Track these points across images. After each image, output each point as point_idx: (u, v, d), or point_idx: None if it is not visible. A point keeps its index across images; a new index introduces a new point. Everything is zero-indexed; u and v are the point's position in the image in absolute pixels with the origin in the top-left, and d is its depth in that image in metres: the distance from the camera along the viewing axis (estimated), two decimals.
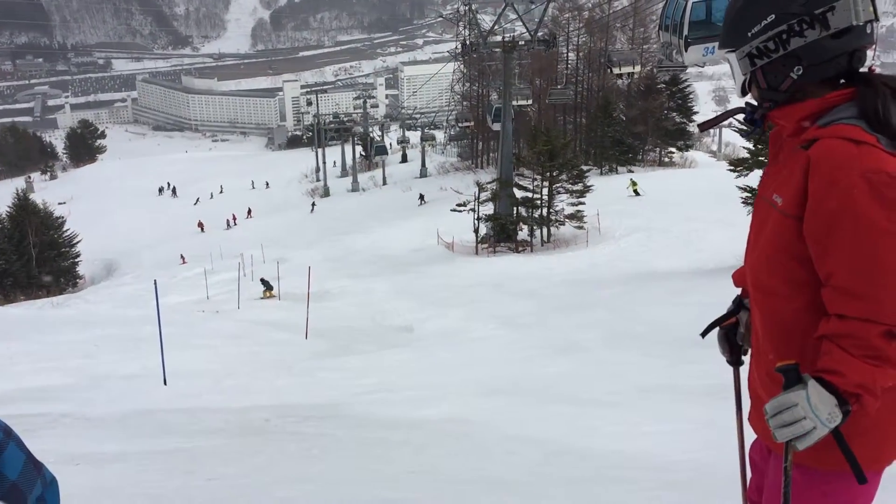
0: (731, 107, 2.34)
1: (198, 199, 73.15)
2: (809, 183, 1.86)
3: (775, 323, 2.04)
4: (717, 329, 2.47)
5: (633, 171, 47.59)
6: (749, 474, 2.44)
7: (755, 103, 2.13)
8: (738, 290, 2.48)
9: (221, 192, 77.08)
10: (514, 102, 44.76)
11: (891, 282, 1.77)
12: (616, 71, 37.07)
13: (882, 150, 1.82)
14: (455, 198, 36.69)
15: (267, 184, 79.57)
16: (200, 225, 58.57)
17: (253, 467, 5.14)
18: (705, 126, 2.46)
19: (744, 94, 2.13)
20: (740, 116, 2.22)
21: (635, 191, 36.41)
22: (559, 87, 52.30)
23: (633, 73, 38.77)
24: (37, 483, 1.21)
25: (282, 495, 4.29)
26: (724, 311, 2.46)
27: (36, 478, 1.21)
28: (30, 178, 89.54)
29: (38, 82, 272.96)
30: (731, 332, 2.43)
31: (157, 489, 4.34)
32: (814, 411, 1.78)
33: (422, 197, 52.30)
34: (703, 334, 2.48)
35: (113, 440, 6.21)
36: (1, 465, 1.15)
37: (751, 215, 2.26)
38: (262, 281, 25.40)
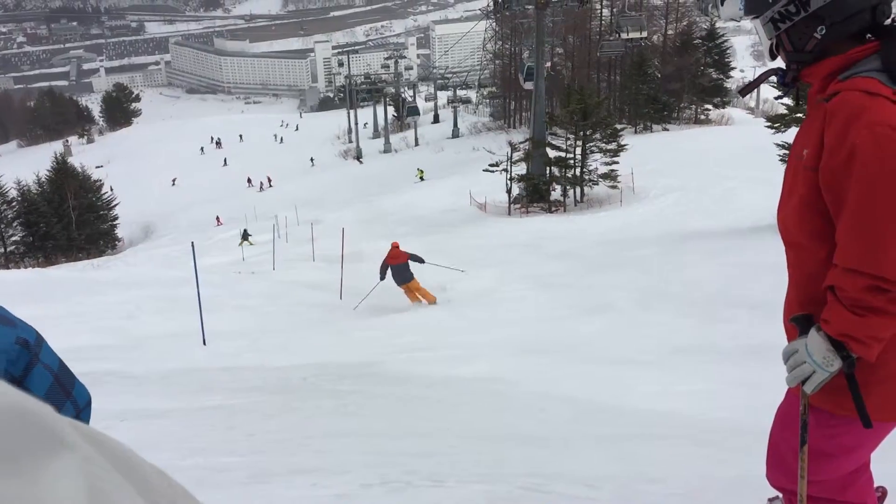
0: (769, 66, 2.34)
1: (225, 160, 74.45)
2: (825, 135, 1.89)
3: (800, 275, 2.09)
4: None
5: (668, 129, 46.89)
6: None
7: (784, 66, 2.13)
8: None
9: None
10: (626, 35, 44.17)
11: (878, 236, 1.79)
12: (624, 36, 37.88)
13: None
14: (487, 158, 36.46)
15: (297, 126, 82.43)
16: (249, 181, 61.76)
17: (291, 423, 5.27)
18: (746, 91, 2.49)
19: (773, 58, 2.14)
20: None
21: (421, 178, 44.09)
22: (611, 38, 50.76)
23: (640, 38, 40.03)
24: (66, 404, 1.26)
25: (319, 447, 4.41)
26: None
27: (64, 400, 1.26)
28: (67, 141, 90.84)
29: (73, 46, 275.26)
30: None
31: (200, 443, 4.49)
32: (811, 356, 1.88)
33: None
34: None
35: (156, 397, 6.39)
36: (28, 383, 1.21)
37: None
38: (244, 231, 31.05)
